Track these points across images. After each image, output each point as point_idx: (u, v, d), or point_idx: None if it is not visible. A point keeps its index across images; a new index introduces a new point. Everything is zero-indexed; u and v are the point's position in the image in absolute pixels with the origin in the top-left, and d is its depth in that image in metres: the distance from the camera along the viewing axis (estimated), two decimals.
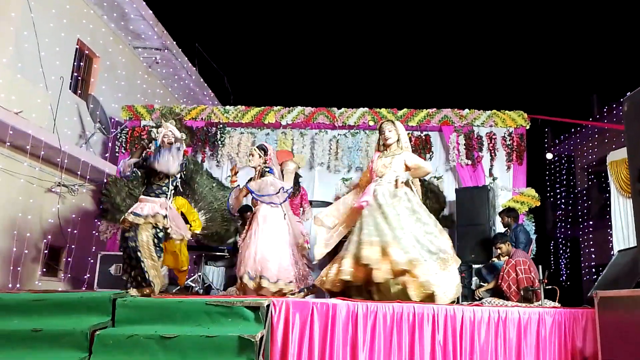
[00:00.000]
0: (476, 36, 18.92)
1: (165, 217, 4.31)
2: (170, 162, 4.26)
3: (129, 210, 4.33)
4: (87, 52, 8.38)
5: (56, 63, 7.36)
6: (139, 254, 4.17)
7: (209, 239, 6.51)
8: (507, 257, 5.66)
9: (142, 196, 4.44)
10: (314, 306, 3.32)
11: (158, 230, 4.30)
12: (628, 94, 3.80)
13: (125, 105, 8.22)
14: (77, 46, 8.06)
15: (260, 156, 5.04)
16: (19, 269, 6.49)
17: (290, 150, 7.76)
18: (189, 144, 4.87)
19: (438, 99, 16.79)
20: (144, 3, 8.47)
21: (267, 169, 4.97)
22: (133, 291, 4.08)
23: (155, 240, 4.28)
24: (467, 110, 7.80)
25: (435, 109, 7.83)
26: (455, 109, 7.82)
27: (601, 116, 12.61)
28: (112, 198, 6.41)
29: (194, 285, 6.59)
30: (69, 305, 3.46)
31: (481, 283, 6.06)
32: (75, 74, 8.09)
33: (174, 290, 5.82)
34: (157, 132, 4.55)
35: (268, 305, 3.16)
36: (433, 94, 17.17)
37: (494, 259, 6.29)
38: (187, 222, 6.06)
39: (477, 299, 5.57)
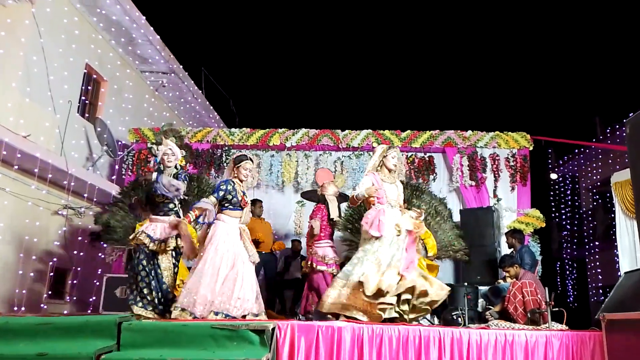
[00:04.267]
0: (479, 58, 19.13)
1: (177, 237, 4.38)
2: (168, 187, 4.31)
3: (141, 229, 4.38)
4: (95, 76, 8.52)
5: (64, 87, 7.48)
6: (159, 277, 4.29)
7: None
8: (513, 279, 5.62)
9: (152, 216, 4.48)
10: (319, 329, 3.32)
11: (173, 253, 4.41)
12: (630, 115, 3.83)
13: (132, 128, 8.33)
14: (86, 70, 8.20)
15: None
16: (24, 291, 6.51)
17: (330, 170, 7.76)
18: (189, 161, 4.89)
19: (441, 120, 16.86)
20: (152, 28, 8.64)
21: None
22: (138, 309, 4.14)
23: (174, 262, 4.42)
24: (470, 132, 7.86)
25: (438, 130, 7.90)
26: (459, 131, 7.88)
27: (604, 137, 12.62)
28: (106, 221, 6.50)
29: None
30: (74, 329, 3.45)
31: (487, 305, 6.00)
32: (83, 98, 8.22)
33: None
34: (157, 150, 4.59)
35: (273, 329, 3.16)
36: (436, 116, 17.29)
37: (499, 281, 6.24)
38: None
39: (487, 319, 5.52)
